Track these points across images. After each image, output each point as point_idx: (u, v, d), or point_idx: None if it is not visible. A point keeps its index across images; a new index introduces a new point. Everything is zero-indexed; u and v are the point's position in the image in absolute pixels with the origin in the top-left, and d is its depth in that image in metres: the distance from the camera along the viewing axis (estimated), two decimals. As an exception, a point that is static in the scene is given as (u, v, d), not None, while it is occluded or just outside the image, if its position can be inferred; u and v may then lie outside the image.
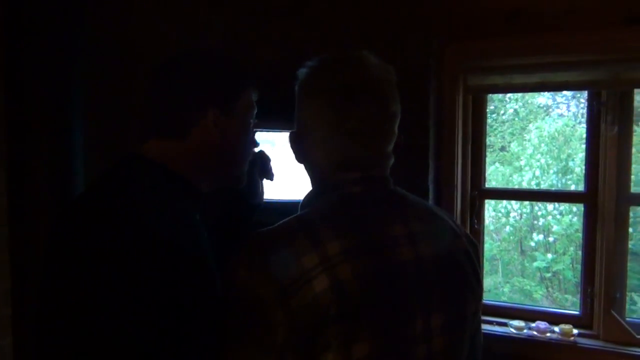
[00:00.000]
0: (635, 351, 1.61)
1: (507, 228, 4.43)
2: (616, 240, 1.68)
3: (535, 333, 1.71)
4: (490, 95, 5.09)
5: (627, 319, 1.70)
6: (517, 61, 1.68)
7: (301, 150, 0.98)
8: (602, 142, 1.69)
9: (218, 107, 1.00)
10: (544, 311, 1.85)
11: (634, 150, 4.14)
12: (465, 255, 0.96)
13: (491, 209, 4.34)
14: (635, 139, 4.08)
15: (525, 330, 1.73)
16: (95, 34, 2.05)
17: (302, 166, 1.02)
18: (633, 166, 4.03)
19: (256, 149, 1.26)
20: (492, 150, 4.97)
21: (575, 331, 1.69)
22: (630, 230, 3.87)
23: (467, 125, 1.83)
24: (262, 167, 1.33)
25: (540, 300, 4.11)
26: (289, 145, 1.00)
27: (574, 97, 4.97)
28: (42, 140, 1.89)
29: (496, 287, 4.21)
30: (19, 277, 1.95)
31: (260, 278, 0.80)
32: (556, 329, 1.71)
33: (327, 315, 0.77)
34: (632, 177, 1.72)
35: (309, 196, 0.96)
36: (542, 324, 1.72)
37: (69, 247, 0.89)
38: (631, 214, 3.95)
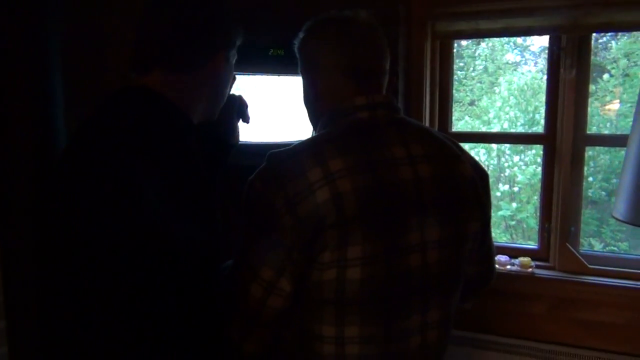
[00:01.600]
0: (587, 279, 1.75)
1: (475, 180, 4.55)
2: (572, 178, 1.79)
3: (496, 266, 1.83)
4: (461, 52, 5.17)
5: (581, 250, 1.84)
6: (482, 7, 1.74)
7: (312, 78, 1.09)
8: (561, 85, 1.78)
9: (226, 50, 1.09)
10: (505, 246, 1.98)
11: (597, 103, 4.25)
12: (468, 180, 1.05)
13: (460, 161, 4.44)
14: (599, 92, 4.21)
15: (487, 264, 1.85)
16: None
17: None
18: (596, 117, 4.15)
19: (236, 93, 1.37)
20: (461, 104, 5.06)
21: (533, 263, 1.82)
22: (591, 179, 4.03)
23: (434, 71, 1.89)
24: (240, 110, 1.42)
25: (504, 242, 4.29)
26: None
27: (541, 53, 5.07)
28: (20, 94, 1.87)
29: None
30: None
31: (272, 189, 0.93)
32: (516, 261, 1.83)
33: (325, 222, 0.89)
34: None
35: (323, 122, 1.06)
36: (503, 257, 1.85)
37: (73, 187, 0.93)
38: (592, 163, 4.09)
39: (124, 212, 0.87)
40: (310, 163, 0.93)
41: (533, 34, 1.84)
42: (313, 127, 1.16)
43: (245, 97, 1.42)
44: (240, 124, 1.44)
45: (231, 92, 1.35)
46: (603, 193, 3.96)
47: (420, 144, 1.01)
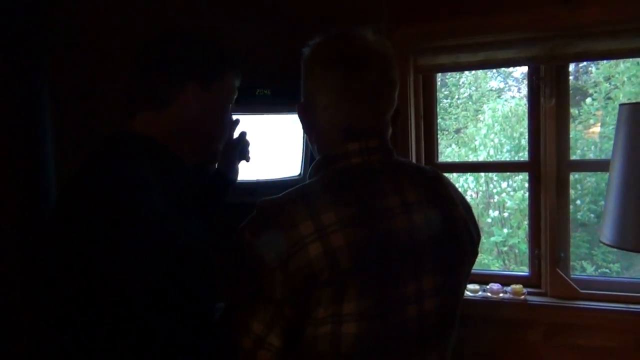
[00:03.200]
0: (580, 304, 1.75)
1: (465, 207, 4.59)
2: (559, 204, 1.81)
3: (489, 294, 1.84)
4: (445, 80, 5.26)
5: (572, 276, 1.85)
6: (462, 41, 1.79)
7: (308, 120, 1.05)
8: (542, 113, 1.82)
9: (199, 82, 1.05)
10: (497, 274, 1.98)
11: (580, 127, 4.31)
12: (461, 222, 1.02)
13: (449, 189, 4.48)
14: (583, 116, 4.28)
15: (480, 293, 1.85)
16: (57, 30, 2.06)
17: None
18: (580, 141, 4.21)
19: (238, 132, 1.41)
20: (447, 133, 5.13)
21: (525, 290, 1.83)
22: (579, 202, 4.06)
23: (418, 103, 1.93)
24: (242, 149, 1.45)
25: (496, 270, 4.30)
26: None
27: (524, 79, 5.18)
28: (10, 144, 1.88)
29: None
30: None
31: (262, 241, 0.89)
32: (508, 289, 1.84)
33: (319, 278, 0.86)
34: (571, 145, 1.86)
35: (315, 168, 1.03)
36: (495, 286, 1.85)
37: (65, 231, 0.93)
38: (579, 187, 4.13)
39: (125, 247, 0.87)
40: (302, 215, 0.88)
41: (512, 65, 1.89)
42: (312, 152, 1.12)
43: (246, 136, 1.46)
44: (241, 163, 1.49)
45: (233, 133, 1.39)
46: (592, 215, 4.00)
47: (414, 189, 0.98)
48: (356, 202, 0.92)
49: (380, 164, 0.99)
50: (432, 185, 1.03)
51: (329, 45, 1.02)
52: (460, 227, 1.02)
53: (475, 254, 1.08)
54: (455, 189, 1.09)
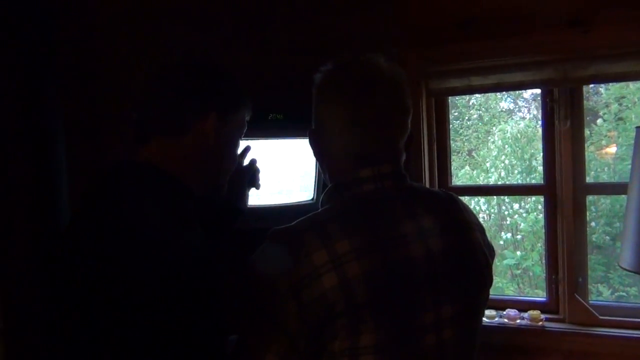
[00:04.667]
0: (599, 331, 1.71)
1: (477, 229, 4.54)
2: (575, 228, 1.78)
3: (506, 320, 1.80)
4: (455, 102, 5.27)
5: (591, 301, 1.81)
6: (473, 64, 1.78)
7: (319, 146, 1.04)
8: (557, 136, 1.80)
9: (219, 112, 1.07)
10: (514, 299, 1.94)
11: (592, 148, 4.27)
12: (478, 247, 1.00)
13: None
14: (594, 137, 4.24)
15: (496, 319, 1.82)
16: (66, 51, 2.09)
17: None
18: (593, 162, 4.17)
19: (249, 159, 1.40)
20: (459, 154, 5.11)
21: (542, 316, 1.79)
22: (593, 224, 4.00)
23: (431, 127, 1.92)
24: (251, 177, 1.43)
25: (513, 296, 4.23)
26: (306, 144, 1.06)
27: (534, 100, 5.17)
28: (22, 164, 1.90)
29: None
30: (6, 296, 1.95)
31: (275, 272, 0.86)
32: (525, 315, 1.80)
33: (334, 310, 0.83)
34: (586, 168, 1.83)
35: (327, 195, 1.01)
36: (512, 312, 1.81)
37: (74, 258, 0.93)
38: (593, 208, 4.08)
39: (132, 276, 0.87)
40: (316, 244, 0.86)
41: (525, 88, 1.88)
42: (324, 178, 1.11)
43: (257, 163, 1.44)
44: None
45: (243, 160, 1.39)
46: (607, 238, 3.94)
47: (429, 215, 0.95)
48: (370, 230, 0.89)
49: (394, 190, 0.97)
50: (447, 210, 1.01)
51: (340, 71, 1.01)
52: (477, 252, 1.00)
53: (491, 278, 1.06)
54: (470, 212, 1.07)
